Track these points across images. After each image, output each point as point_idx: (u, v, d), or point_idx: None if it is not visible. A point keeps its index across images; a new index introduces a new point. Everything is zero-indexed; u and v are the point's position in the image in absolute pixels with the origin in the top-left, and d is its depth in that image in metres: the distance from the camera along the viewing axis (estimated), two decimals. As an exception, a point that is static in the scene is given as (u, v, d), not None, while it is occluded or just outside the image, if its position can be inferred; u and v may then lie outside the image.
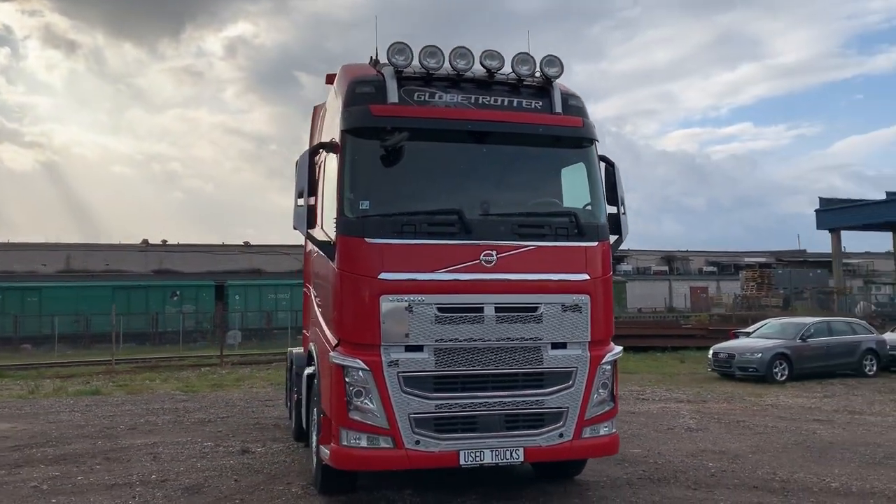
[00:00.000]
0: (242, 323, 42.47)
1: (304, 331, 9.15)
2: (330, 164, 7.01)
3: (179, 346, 35.09)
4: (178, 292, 42.64)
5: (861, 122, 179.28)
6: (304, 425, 9.39)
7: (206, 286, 44.51)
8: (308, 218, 6.78)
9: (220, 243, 59.73)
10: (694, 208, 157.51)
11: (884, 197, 46.75)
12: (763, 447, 9.55)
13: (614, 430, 7.00)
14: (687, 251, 73.87)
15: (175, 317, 39.79)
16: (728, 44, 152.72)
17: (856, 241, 73.48)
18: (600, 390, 6.83)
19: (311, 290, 8.29)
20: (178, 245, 57.55)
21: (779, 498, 7.09)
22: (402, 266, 6.49)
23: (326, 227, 6.89)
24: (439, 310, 6.49)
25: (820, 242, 75.80)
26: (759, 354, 18.06)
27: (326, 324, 7.02)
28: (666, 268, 69.71)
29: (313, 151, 6.94)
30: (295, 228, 6.93)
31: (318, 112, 8.86)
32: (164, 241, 58.73)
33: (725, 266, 71.27)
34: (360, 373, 6.37)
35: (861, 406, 13.73)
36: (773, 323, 20.80)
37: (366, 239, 6.50)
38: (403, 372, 6.39)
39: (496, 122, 6.90)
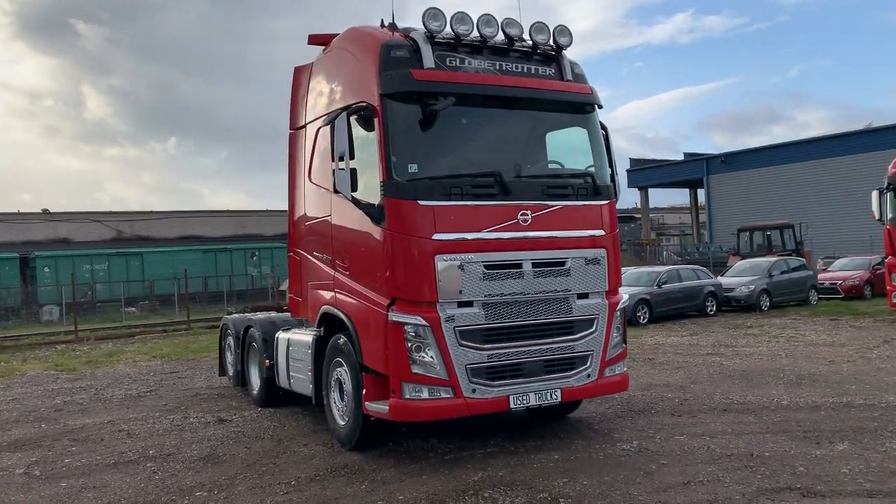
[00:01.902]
0: (60, 297, 39.24)
1: (293, 295, 9.09)
2: (359, 128, 7.06)
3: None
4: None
5: (641, 89, 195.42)
6: (279, 388, 9.56)
7: (8, 259, 40.52)
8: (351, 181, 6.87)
9: (16, 211, 54.17)
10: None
11: (682, 158, 52.21)
12: (695, 378, 10.89)
13: (625, 369, 7.83)
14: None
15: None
16: (525, 9, 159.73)
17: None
18: (615, 334, 7.60)
19: (315, 254, 8.27)
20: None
21: (753, 416, 8.29)
22: (452, 227, 6.81)
23: (361, 190, 6.99)
24: (486, 267, 6.90)
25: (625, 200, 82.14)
26: (626, 300, 19.94)
27: (366, 285, 7.16)
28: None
29: (350, 113, 6.96)
30: (336, 192, 7.00)
31: (302, 73, 8.70)
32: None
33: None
34: (421, 329, 6.66)
35: (728, 340, 15.75)
36: (631, 272, 22.94)
37: (418, 201, 6.74)
38: (459, 326, 6.76)
39: (528, 88, 7.34)
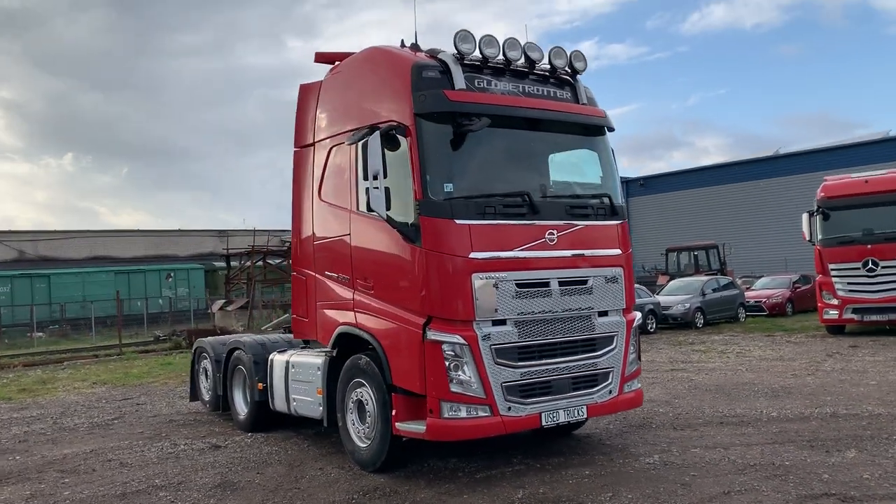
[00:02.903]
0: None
1: (297, 316, 8.88)
2: (386, 148, 7.01)
3: None
4: None
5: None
6: (271, 412, 9.38)
7: None
8: (386, 200, 6.84)
9: None
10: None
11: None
12: (675, 394, 11.24)
13: (640, 385, 8.04)
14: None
15: None
16: (438, 31, 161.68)
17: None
18: (632, 350, 7.81)
19: (328, 274, 8.14)
20: None
21: (752, 428, 8.65)
22: (486, 246, 6.89)
23: (392, 209, 6.95)
24: (517, 286, 6.99)
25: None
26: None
27: (396, 304, 7.11)
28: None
29: (383, 134, 6.93)
30: (371, 210, 6.94)
31: (309, 91, 8.59)
32: None
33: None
34: (459, 347, 6.67)
35: (681, 357, 16.33)
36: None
37: (455, 220, 6.78)
38: (495, 344, 6.82)
39: (552, 110, 7.53)
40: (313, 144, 8.51)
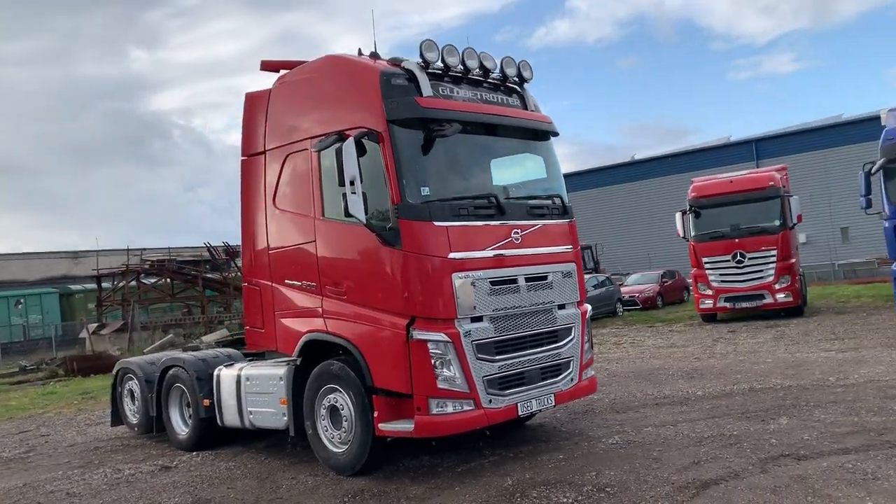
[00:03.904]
0: None
1: (251, 327, 8.73)
2: (359, 154, 7.12)
3: None
4: None
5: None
6: (219, 429, 9.24)
7: None
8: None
9: None
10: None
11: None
12: (600, 382, 11.78)
13: (594, 373, 8.56)
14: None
15: None
16: (290, 43, 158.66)
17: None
18: (587, 340, 8.33)
19: (289, 282, 8.09)
20: None
21: (687, 406, 9.39)
22: (462, 246, 7.17)
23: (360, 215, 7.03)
24: (491, 283, 7.32)
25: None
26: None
27: (373, 307, 7.22)
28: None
29: (357, 139, 7.02)
30: (349, 216, 7.02)
31: (257, 99, 8.49)
32: None
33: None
34: (444, 345, 6.90)
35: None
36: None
37: (434, 222, 7.01)
38: (475, 340, 7.10)
39: (509, 116, 7.92)
40: (264, 153, 8.45)
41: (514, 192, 8.08)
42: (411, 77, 7.33)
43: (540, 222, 7.95)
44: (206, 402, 9.31)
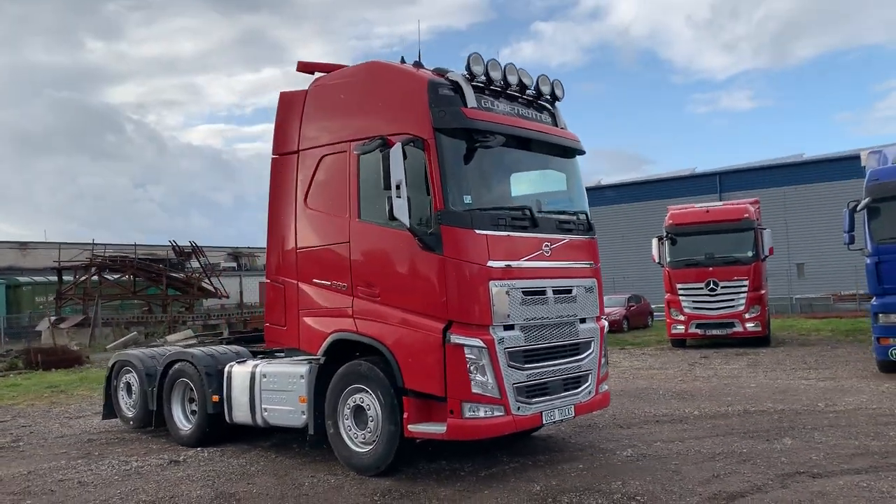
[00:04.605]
0: None
1: (271, 324, 8.72)
2: (400, 159, 7.23)
3: None
4: None
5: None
6: (226, 425, 9.28)
7: None
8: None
9: None
10: (220, 203, 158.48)
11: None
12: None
13: (608, 387, 8.78)
14: (251, 248, 75.90)
15: None
16: (253, 45, 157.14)
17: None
18: (604, 355, 8.56)
19: (317, 281, 8.15)
20: None
21: (688, 425, 9.68)
22: (501, 255, 7.35)
23: (405, 219, 7.16)
24: (523, 293, 7.50)
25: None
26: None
27: (408, 310, 7.33)
28: (234, 264, 70.53)
29: (405, 144, 7.15)
30: (393, 219, 7.13)
31: (293, 98, 8.53)
32: None
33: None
34: (479, 350, 7.05)
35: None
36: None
37: (475, 230, 7.18)
38: (507, 348, 7.27)
39: (547, 133, 8.16)
40: (297, 152, 8.52)
41: (543, 206, 8.28)
42: (456, 88, 7.50)
43: (567, 237, 8.16)
44: (215, 397, 9.26)
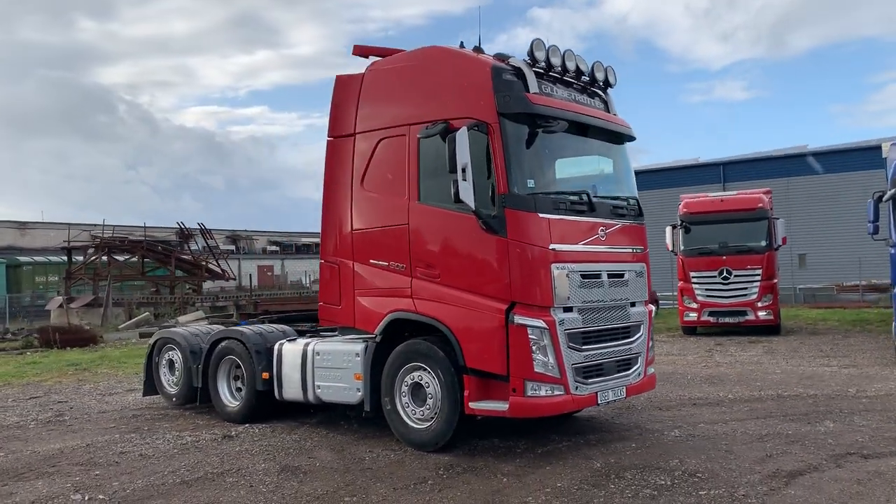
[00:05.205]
0: None
1: (325, 303, 8.87)
2: (466, 142, 7.37)
3: None
4: None
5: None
6: (274, 402, 9.49)
7: None
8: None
9: None
10: (213, 186, 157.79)
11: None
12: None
13: (654, 370, 8.98)
14: (249, 231, 75.85)
15: None
16: (247, 27, 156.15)
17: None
18: (651, 338, 8.75)
19: (374, 262, 8.29)
20: None
21: (725, 408, 9.90)
22: (560, 238, 7.52)
23: (470, 201, 7.31)
24: (581, 276, 7.68)
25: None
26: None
27: (470, 291, 7.50)
28: (233, 247, 70.54)
29: (470, 128, 7.29)
30: (458, 202, 7.28)
31: (349, 82, 8.64)
32: None
33: (287, 245, 75.50)
34: (541, 331, 7.23)
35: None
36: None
37: (538, 214, 7.34)
38: (567, 329, 7.45)
39: (604, 120, 8.30)
40: (353, 135, 8.63)
41: (598, 191, 8.44)
42: (518, 73, 7.64)
43: (621, 222, 8.33)
44: (266, 374, 9.42)
